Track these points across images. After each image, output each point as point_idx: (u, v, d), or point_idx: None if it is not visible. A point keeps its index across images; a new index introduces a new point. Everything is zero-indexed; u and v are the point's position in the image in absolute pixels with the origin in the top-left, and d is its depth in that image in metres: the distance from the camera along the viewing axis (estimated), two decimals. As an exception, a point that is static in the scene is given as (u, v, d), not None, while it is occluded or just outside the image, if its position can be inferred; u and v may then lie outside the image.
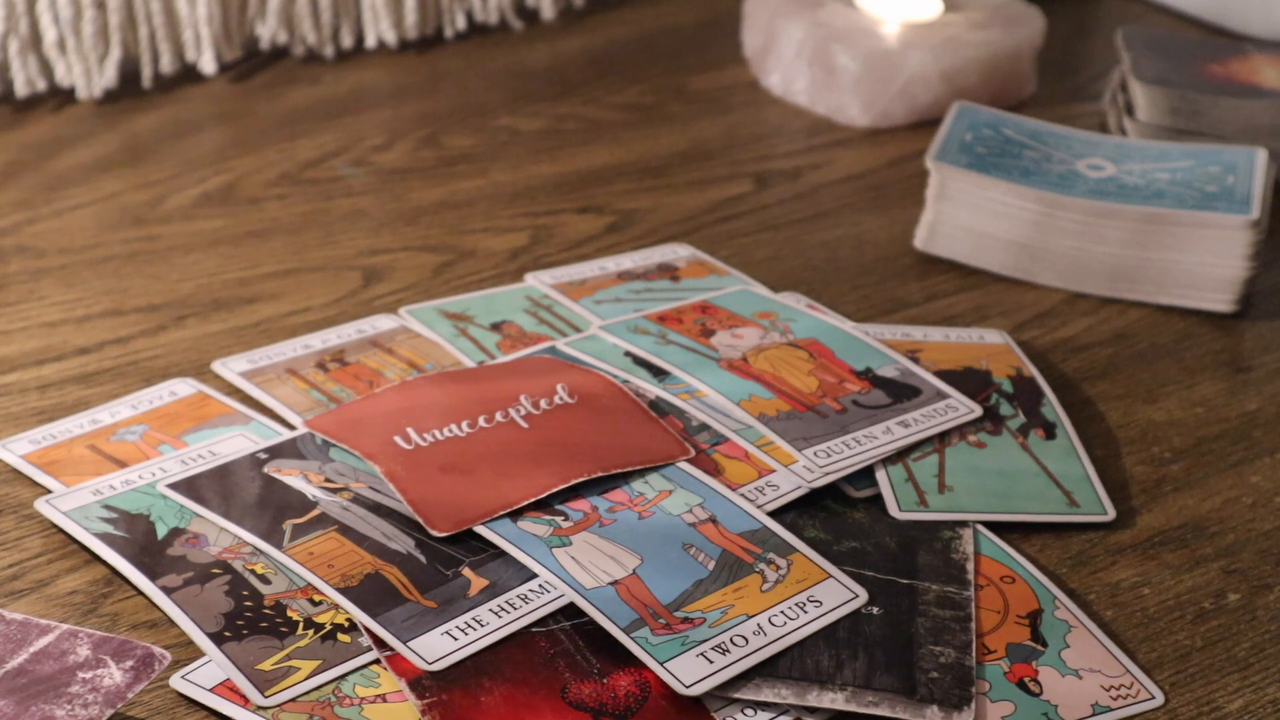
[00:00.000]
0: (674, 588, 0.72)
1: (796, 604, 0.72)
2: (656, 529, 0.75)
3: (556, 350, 0.88)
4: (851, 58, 1.16)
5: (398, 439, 0.79)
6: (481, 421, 0.80)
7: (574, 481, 0.77)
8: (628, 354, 0.87)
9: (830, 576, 0.73)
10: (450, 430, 0.79)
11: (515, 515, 0.75)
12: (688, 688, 0.67)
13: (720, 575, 0.73)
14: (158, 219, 1.03)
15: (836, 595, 0.73)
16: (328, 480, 0.78)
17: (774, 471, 0.79)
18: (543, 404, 0.82)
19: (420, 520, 0.75)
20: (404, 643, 0.69)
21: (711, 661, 0.68)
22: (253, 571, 0.73)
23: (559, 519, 0.75)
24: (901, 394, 0.85)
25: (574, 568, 0.73)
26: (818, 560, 0.74)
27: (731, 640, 0.70)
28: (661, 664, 0.68)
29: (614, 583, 0.72)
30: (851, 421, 0.83)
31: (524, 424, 0.80)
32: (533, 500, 0.76)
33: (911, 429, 0.83)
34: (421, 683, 0.68)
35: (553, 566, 0.73)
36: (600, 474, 0.77)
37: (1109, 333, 0.95)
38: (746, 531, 0.75)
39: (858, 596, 0.73)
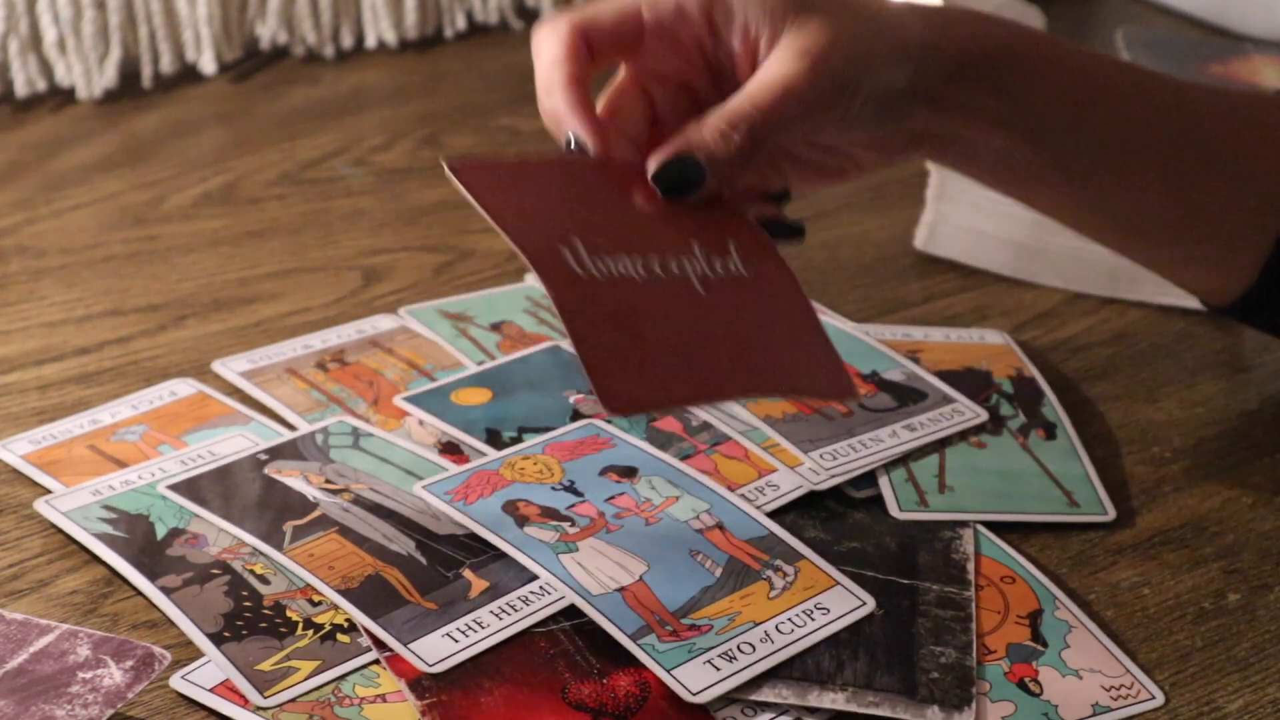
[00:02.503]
0: (681, 594, 0.72)
1: (804, 611, 0.72)
2: (663, 535, 0.75)
3: (560, 350, 0.88)
4: (851, 58, 1.16)
5: (565, 253, 0.63)
6: (656, 267, 0.65)
7: (752, 398, 0.69)
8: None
9: (838, 584, 0.73)
10: (624, 267, 0.64)
11: (521, 521, 0.75)
12: (694, 695, 0.67)
13: (727, 582, 0.73)
14: (158, 219, 1.03)
15: (844, 603, 0.72)
16: (328, 481, 0.78)
17: (775, 471, 0.79)
18: (718, 267, 0.67)
19: (593, 388, 0.61)
20: (405, 644, 0.69)
21: (718, 669, 0.68)
22: (252, 572, 0.73)
23: (565, 524, 0.75)
24: (907, 398, 0.85)
25: (580, 574, 0.73)
26: (825, 567, 0.74)
27: (739, 647, 0.69)
28: (668, 671, 0.68)
29: (621, 589, 0.72)
30: (857, 424, 0.82)
31: (701, 290, 0.66)
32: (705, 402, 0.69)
33: (917, 433, 0.82)
34: (421, 683, 0.68)
35: (559, 573, 0.72)
36: (756, 397, 0.69)
37: (1109, 333, 0.95)
38: (754, 538, 0.75)
39: (865, 604, 0.72)
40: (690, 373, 0.63)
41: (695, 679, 0.68)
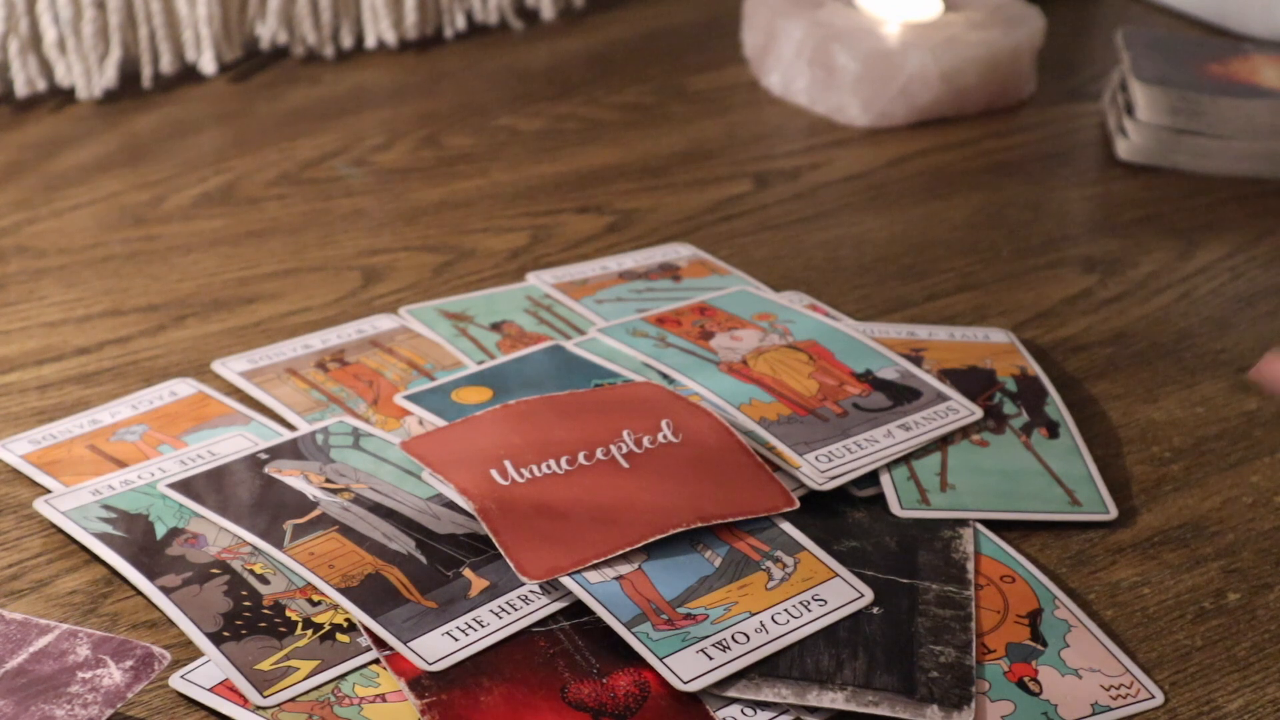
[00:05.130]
0: (679, 584, 0.72)
1: (800, 602, 0.72)
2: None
3: (560, 350, 0.88)
4: (851, 58, 1.16)
5: (494, 473, 0.76)
6: (582, 459, 0.77)
7: (671, 532, 0.74)
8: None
9: (837, 575, 0.73)
10: (549, 467, 0.76)
11: None
12: (685, 684, 0.67)
13: (726, 572, 0.73)
14: (158, 219, 1.03)
15: (841, 594, 0.72)
16: (328, 481, 0.78)
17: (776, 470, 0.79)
18: (645, 442, 0.78)
19: (511, 565, 0.72)
20: (405, 643, 0.69)
21: (711, 658, 0.68)
22: (251, 571, 0.73)
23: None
24: (902, 396, 0.85)
25: (575, 566, 0.73)
26: (825, 559, 0.74)
27: (733, 637, 0.70)
28: (660, 659, 0.68)
29: (619, 578, 0.72)
30: (852, 425, 0.82)
31: (625, 464, 0.77)
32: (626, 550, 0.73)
33: (912, 432, 0.82)
34: (421, 682, 0.68)
35: (553, 566, 0.73)
36: (699, 524, 0.75)
37: (1109, 332, 0.95)
38: (756, 529, 0.75)
39: (863, 596, 0.72)
40: (607, 532, 0.73)
41: (687, 668, 0.68)
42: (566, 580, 0.71)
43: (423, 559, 0.74)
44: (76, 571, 0.75)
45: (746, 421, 0.82)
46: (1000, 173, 1.13)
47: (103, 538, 0.75)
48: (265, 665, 0.68)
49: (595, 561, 0.72)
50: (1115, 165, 1.13)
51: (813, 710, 0.68)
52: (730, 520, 0.75)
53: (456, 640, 0.70)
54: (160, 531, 0.75)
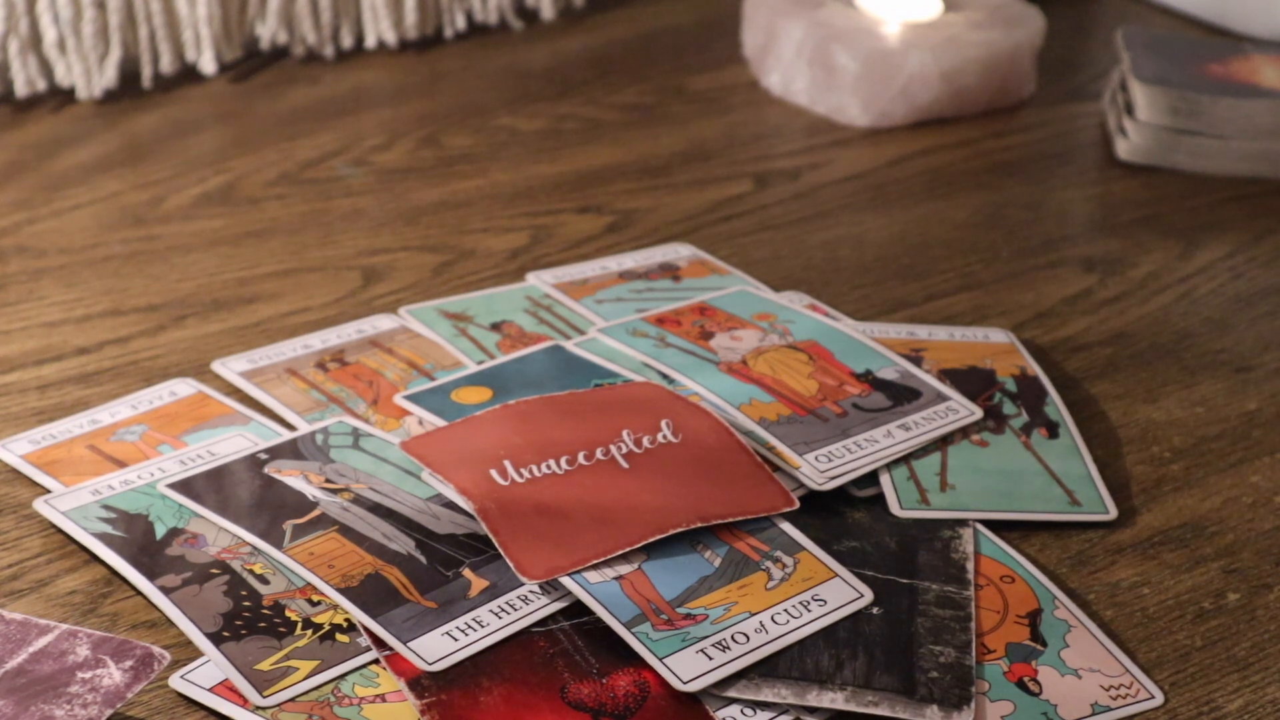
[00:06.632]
0: (679, 584, 0.72)
1: (800, 602, 0.72)
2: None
3: (560, 350, 0.88)
4: (851, 58, 1.16)
5: (493, 473, 0.76)
6: (581, 459, 0.77)
7: (671, 532, 0.74)
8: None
9: (836, 576, 0.73)
10: (548, 467, 0.76)
11: None
12: (685, 684, 0.67)
13: (726, 572, 0.73)
14: (158, 219, 1.03)
15: (841, 595, 0.72)
16: (328, 481, 0.78)
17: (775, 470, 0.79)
18: (645, 442, 0.78)
19: (511, 565, 0.72)
20: (404, 643, 0.69)
21: (711, 658, 0.68)
22: (251, 571, 0.73)
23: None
24: (901, 397, 0.85)
25: (575, 567, 0.73)
26: (825, 559, 0.74)
27: (732, 637, 0.70)
28: (660, 659, 0.68)
29: (619, 578, 0.72)
30: (852, 425, 0.82)
31: (624, 464, 0.77)
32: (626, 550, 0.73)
33: (912, 432, 0.82)
34: (421, 682, 0.68)
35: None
36: (699, 525, 0.75)
37: (1109, 332, 0.95)
38: (755, 529, 0.75)
39: (862, 596, 0.72)
40: (607, 532, 0.73)
41: (687, 668, 0.68)
42: (566, 580, 0.71)
43: (422, 559, 0.74)
44: (76, 571, 0.75)
45: (746, 421, 0.82)
46: (1000, 173, 1.13)
47: (102, 538, 0.75)
48: (265, 665, 0.69)
49: (595, 561, 0.72)
50: (1115, 165, 1.13)
51: (812, 710, 0.68)
52: (730, 520, 0.75)
53: (456, 640, 0.70)
54: (160, 531, 0.75)
